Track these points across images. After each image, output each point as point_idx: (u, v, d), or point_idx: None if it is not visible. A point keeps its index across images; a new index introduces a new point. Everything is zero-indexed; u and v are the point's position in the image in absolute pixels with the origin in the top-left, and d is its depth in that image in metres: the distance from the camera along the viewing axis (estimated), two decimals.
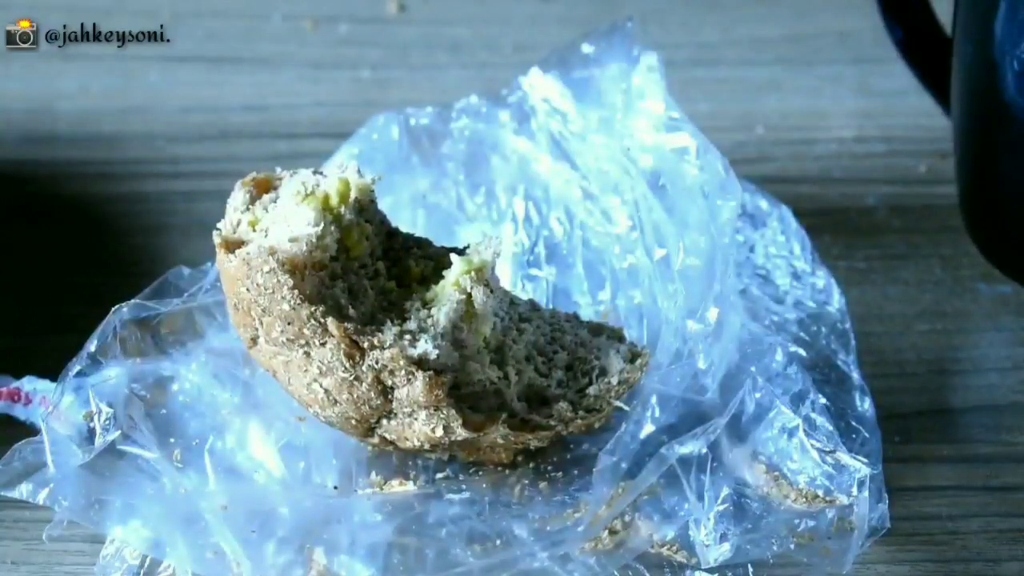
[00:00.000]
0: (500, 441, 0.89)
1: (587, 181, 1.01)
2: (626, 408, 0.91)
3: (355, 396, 0.86)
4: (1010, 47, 0.96)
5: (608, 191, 1.00)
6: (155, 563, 0.87)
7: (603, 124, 1.00)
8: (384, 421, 0.87)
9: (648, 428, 0.89)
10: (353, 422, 0.87)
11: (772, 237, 1.01)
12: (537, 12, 1.24)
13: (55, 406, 0.89)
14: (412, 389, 0.85)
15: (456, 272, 0.88)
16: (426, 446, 0.88)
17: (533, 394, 0.91)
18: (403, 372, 0.85)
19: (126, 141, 1.15)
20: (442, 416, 0.86)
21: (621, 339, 0.94)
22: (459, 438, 0.87)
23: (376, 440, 0.89)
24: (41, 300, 1.04)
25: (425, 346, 0.86)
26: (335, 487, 0.90)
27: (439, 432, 0.87)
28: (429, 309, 0.88)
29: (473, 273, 0.88)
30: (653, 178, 0.96)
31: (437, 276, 0.89)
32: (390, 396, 0.86)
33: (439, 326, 0.87)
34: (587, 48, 1.03)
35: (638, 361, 0.92)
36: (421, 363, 0.85)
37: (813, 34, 1.22)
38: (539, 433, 0.90)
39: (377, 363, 0.85)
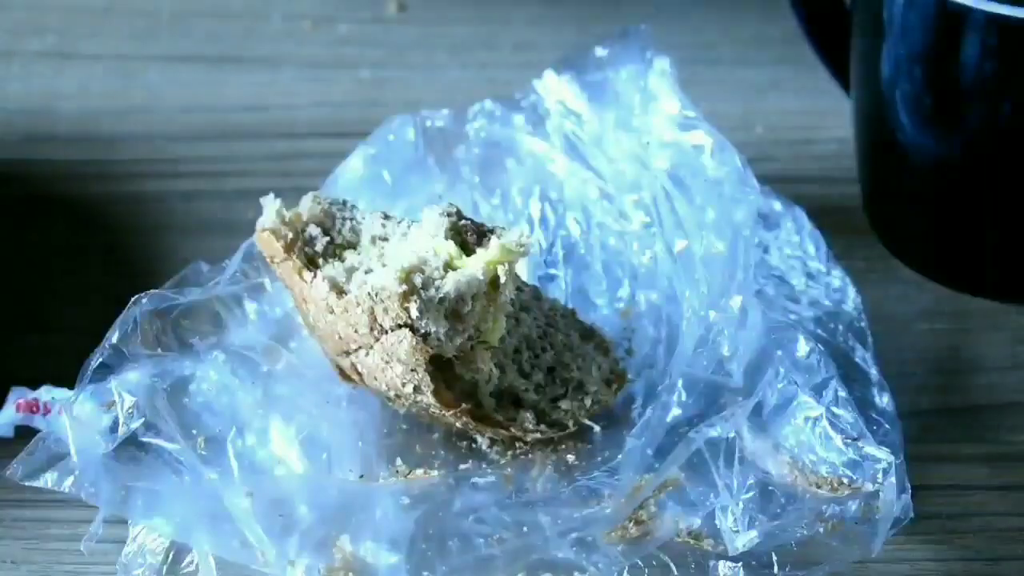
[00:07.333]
0: (456, 423, 0.89)
1: (603, 180, 1.02)
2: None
3: (346, 319, 0.87)
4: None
5: (625, 190, 1.01)
6: (177, 559, 0.89)
7: (619, 124, 1.02)
8: (362, 352, 0.87)
9: (675, 412, 0.91)
10: (337, 337, 0.89)
11: (786, 238, 1.02)
12: (537, 12, 1.25)
13: (76, 398, 0.89)
14: (399, 344, 0.85)
15: (492, 255, 0.87)
16: (391, 393, 0.90)
17: (507, 390, 0.91)
18: (394, 317, 0.86)
19: (126, 141, 1.16)
20: (418, 377, 0.86)
21: (607, 352, 0.95)
22: (424, 402, 0.87)
23: (347, 364, 0.89)
24: (40, 301, 1.04)
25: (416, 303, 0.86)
26: (360, 476, 0.92)
27: (408, 389, 0.87)
28: (444, 272, 0.88)
29: (507, 264, 0.87)
30: (671, 173, 0.97)
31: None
32: (378, 335, 0.86)
33: (442, 290, 0.86)
34: (600, 51, 1.04)
35: (614, 386, 0.93)
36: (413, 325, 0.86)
37: None
38: (498, 430, 0.90)
39: (376, 294, 0.86)
